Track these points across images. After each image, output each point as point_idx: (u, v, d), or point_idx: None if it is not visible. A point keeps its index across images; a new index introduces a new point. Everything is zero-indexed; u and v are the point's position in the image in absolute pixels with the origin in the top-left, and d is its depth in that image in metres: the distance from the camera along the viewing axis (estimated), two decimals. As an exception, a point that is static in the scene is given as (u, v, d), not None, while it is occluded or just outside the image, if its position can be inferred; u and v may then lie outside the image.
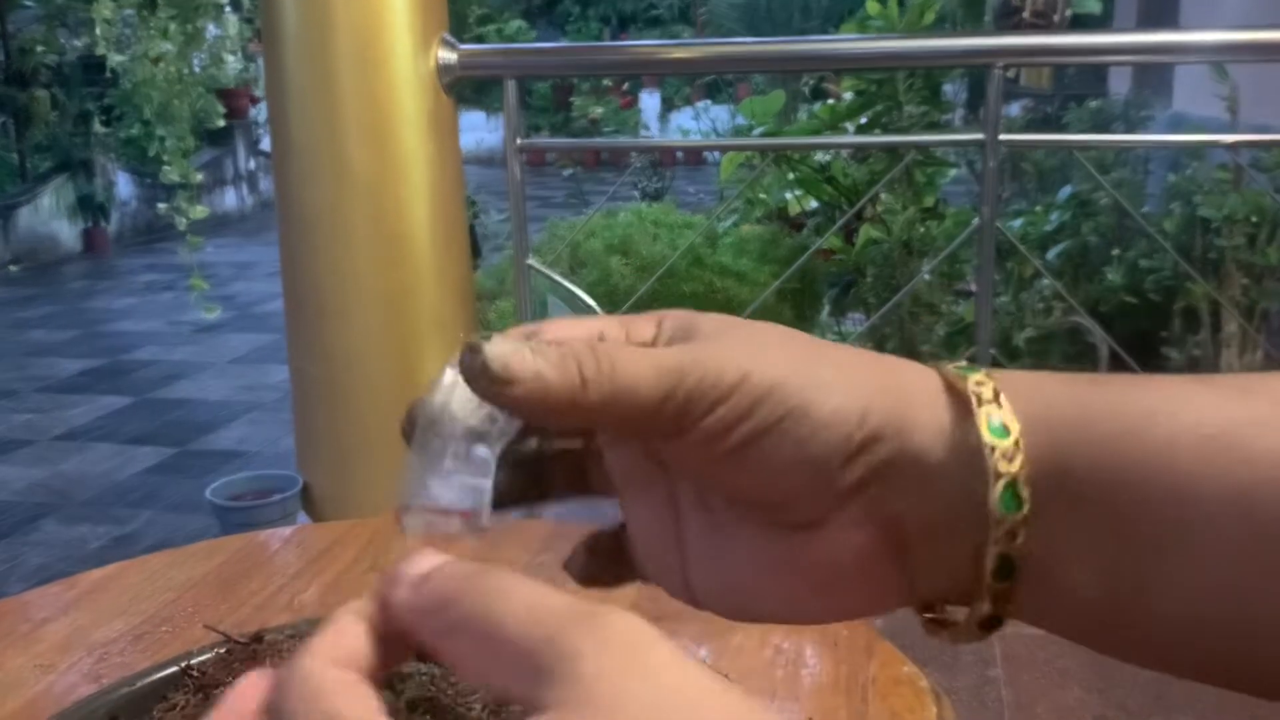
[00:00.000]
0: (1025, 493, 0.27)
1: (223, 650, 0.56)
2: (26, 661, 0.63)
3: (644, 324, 0.32)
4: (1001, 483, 0.27)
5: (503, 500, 0.31)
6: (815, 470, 0.28)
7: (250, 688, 0.24)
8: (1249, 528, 0.25)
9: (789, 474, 0.28)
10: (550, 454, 0.34)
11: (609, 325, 0.31)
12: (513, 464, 0.32)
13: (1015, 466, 0.27)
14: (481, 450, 0.29)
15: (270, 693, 0.23)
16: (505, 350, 0.27)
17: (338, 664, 0.23)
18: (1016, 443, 0.27)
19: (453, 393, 0.29)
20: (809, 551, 0.29)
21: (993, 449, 0.27)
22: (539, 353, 0.27)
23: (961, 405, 0.28)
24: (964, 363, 0.30)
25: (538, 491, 0.35)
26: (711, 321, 0.30)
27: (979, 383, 0.28)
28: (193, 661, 0.55)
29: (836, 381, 0.28)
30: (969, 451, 0.27)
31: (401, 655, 0.25)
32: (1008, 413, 0.27)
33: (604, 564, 0.34)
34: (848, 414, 0.28)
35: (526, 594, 0.23)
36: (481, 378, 0.27)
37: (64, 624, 0.67)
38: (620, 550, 0.34)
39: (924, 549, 0.29)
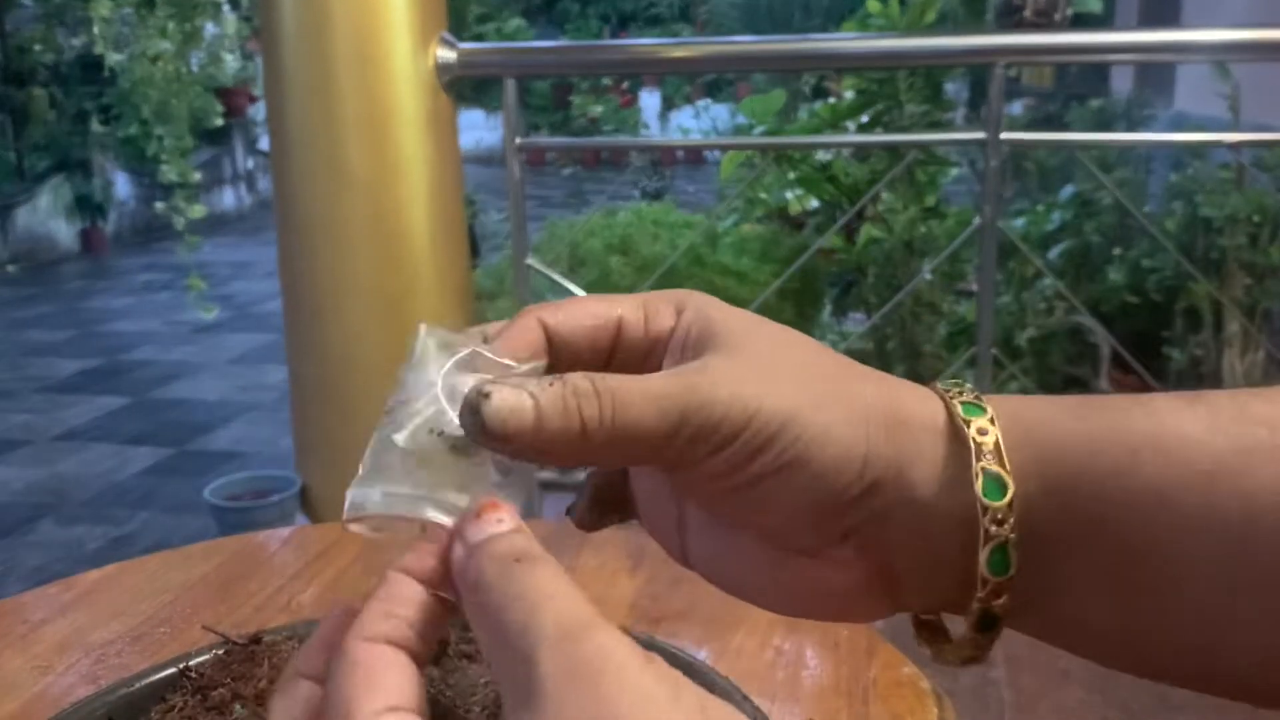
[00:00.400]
0: (1014, 556, 0.28)
1: (221, 651, 0.55)
2: (24, 663, 0.62)
3: (664, 311, 0.31)
4: (991, 545, 0.27)
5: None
6: (813, 513, 0.28)
7: (340, 620, 0.27)
8: (1247, 561, 0.26)
9: (787, 513, 0.29)
10: None
11: (628, 308, 0.31)
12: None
13: (1005, 530, 0.27)
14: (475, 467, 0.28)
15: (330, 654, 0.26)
16: (503, 408, 0.27)
17: (381, 638, 0.25)
18: (1010, 504, 0.27)
19: (434, 392, 0.28)
20: (803, 571, 0.30)
21: (985, 510, 0.27)
22: (539, 398, 0.27)
23: (962, 455, 0.28)
24: (970, 395, 0.30)
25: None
26: (729, 326, 0.30)
27: (981, 430, 0.28)
28: (191, 663, 0.55)
29: (843, 427, 0.28)
30: (964, 504, 0.28)
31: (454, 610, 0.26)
32: (1005, 471, 0.28)
33: (606, 512, 0.34)
34: (850, 463, 0.28)
35: (531, 598, 0.24)
36: (482, 436, 0.27)
37: (62, 625, 0.67)
38: (624, 500, 0.34)
39: (914, 582, 0.30)
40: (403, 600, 0.26)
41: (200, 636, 0.60)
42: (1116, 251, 2.71)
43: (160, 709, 0.52)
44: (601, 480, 0.34)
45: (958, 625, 0.31)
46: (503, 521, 0.26)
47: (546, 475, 2.06)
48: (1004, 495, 0.27)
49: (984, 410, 0.29)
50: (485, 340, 0.31)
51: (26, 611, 0.69)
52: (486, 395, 0.27)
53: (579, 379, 0.28)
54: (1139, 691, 1.60)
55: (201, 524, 2.48)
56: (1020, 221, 2.89)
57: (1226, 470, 0.26)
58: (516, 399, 0.27)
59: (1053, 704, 1.58)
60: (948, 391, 0.30)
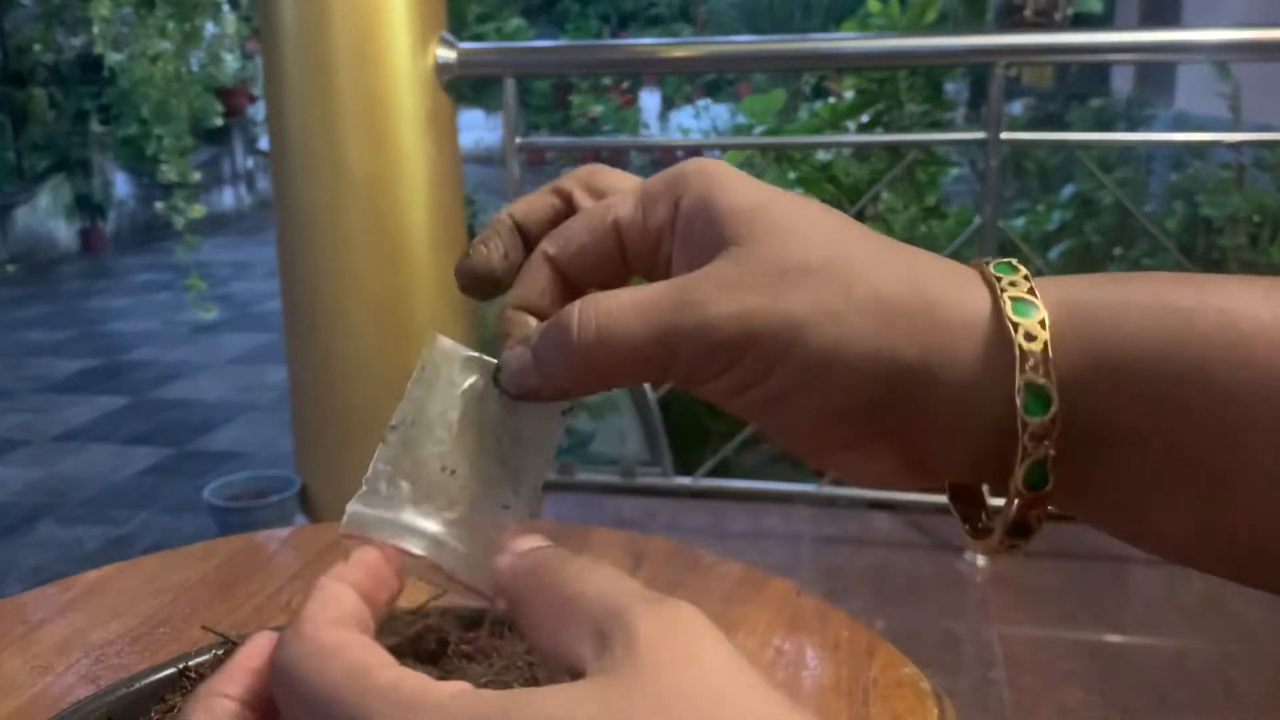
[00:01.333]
0: (1053, 474, 0.26)
1: (220, 652, 0.55)
2: (23, 663, 0.62)
3: (660, 201, 0.30)
4: (1029, 462, 0.26)
5: None
6: (833, 423, 0.27)
7: (260, 644, 0.27)
8: None
9: (804, 425, 0.28)
10: None
11: (623, 209, 0.30)
12: None
13: (1046, 447, 0.26)
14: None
15: (273, 651, 0.26)
16: (511, 370, 0.30)
17: (334, 624, 0.25)
18: (1053, 419, 0.26)
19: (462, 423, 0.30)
20: (839, 458, 0.29)
21: (1025, 426, 0.26)
22: (536, 347, 0.29)
23: (1005, 357, 0.26)
24: (1023, 285, 0.27)
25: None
26: (734, 210, 0.28)
27: (1029, 335, 0.26)
28: (190, 663, 0.54)
29: (858, 335, 0.26)
30: (1005, 411, 0.26)
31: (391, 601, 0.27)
32: (1050, 382, 0.26)
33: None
34: (868, 372, 0.26)
35: (608, 573, 0.24)
36: (516, 397, 0.30)
37: (61, 625, 0.66)
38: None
39: (954, 471, 0.29)
40: (361, 565, 0.27)
41: (200, 637, 0.60)
42: (1117, 251, 2.71)
43: (160, 709, 0.52)
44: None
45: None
46: (541, 539, 0.27)
47: (546, 475, 2.06)
48: (1047, 411, 0.26)
49: (1035, 308, 0.26)
50: (513, 223, 0.32)
51: (26, 611, 0.69)
52: (499, 368, 0.30)
53: (568, 310, 0.28)
54: (1140, 692, 1.60)
55: (201, 524, 2.48)
56: (1020, 221, 2.89)
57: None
58: (518, 360, 0.30)
59: (1054, 704, 1.58)
60: (999, 278, 0.27)
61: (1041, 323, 0.26)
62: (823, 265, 0.27)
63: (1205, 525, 0.27)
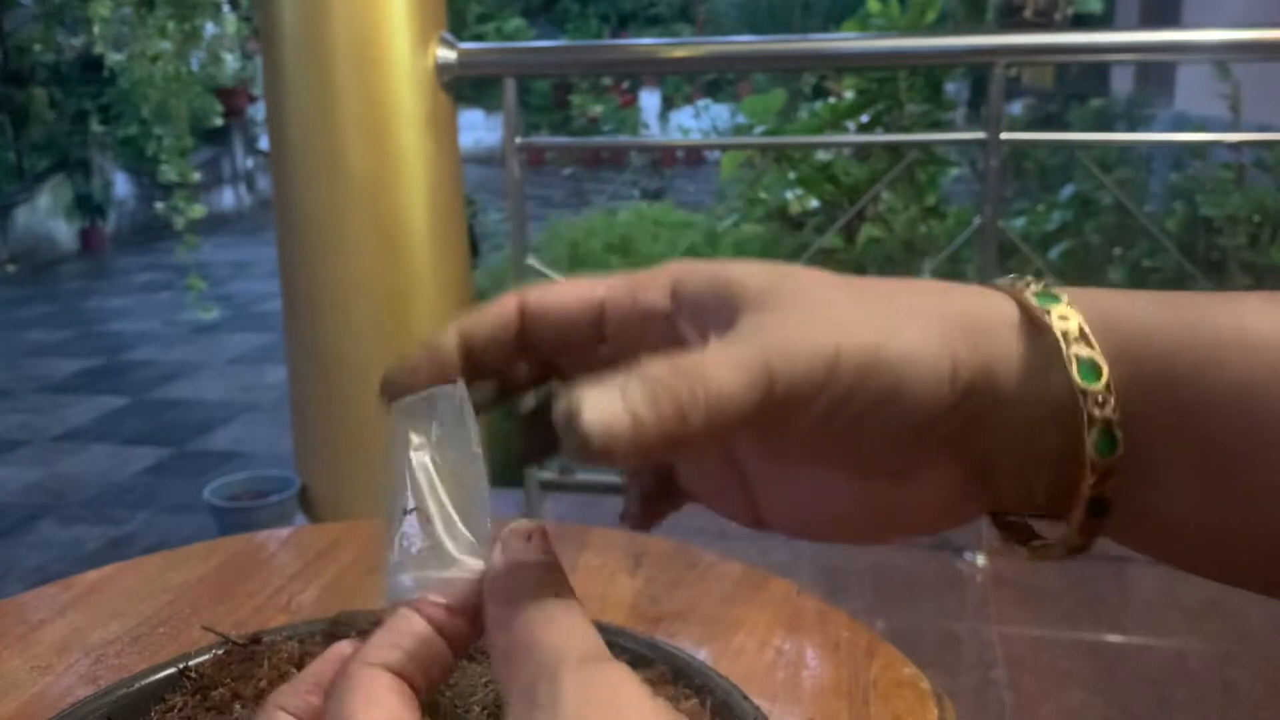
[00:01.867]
0: (1119, 435, 0.27)
1: (221, 652, 0.55)
2: (23, 663, 0.62)
3: (654, 285, 0.30)
4: (1097, 428, 0.26)
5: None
6: (910, 434, 0.27)
7: (330, 659, 0.28)
8: None
9: (883, 443, 0.28)
10: None
11: (612, 286, 0.30)
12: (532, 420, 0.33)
13: (1109, 411, 0.26)
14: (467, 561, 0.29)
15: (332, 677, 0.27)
16: (601, 416, 0.24)
17: (382, 665, 0.27)
18: (1108, 385, 0.26)
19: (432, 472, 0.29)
20: (892, 494, 0.29)
21: (1085, 393, 0.26)
22: (627, 393, 0.24)
23: (1047, 343, 0.27)
24: (1037, 284, 0.28)
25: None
26: (753, 283, 0.28)
27: (1062, 316, 0.27)
28: (191, 663, 0.54)
29: (925, 343, 0.27)
30: (1057, 393, 0.27)
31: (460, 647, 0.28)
32: (1097, 352, 0.27)
33: (659, 503, 0.34)
34: (940, 376, 0.27)
35: (566, 623, 0.26)
36: (585, 455, 0.24)
37: (61, 625, 0.66)
38: (674, 488, 0.33)
39: (1013, 481, 0.29)
40: (408, 634, 0.27)
41: (200, 637, 0.60)
42: (1117, 251, 2.71)
43: (160, 709, 0.52)
44: (647, 473, 0.33)
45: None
46: (546, 554, 0.28)
47: (546, 475, 2.06)
48: (1100, 377, 0.27)
49: (1059, 298, 0.28)
50: (461, 336, 0.30)
51: (26, 612, 0.69)
52: (578, 410, 0.24)
53: (651, 365, 0.25)
54: (1140, 693, 1.60)
55: (201, 524, 2.48)
56: (1021, 221, 2.89)
57: None
58: (609, 404, 0.24)
59: (1054, 706, 1.58)
60: (1014, 286, 0.28)
61: (1069, 304, 0.27)
62: (868, 295, 0.28)
63: (1237, 533, 0.27)
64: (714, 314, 0.28)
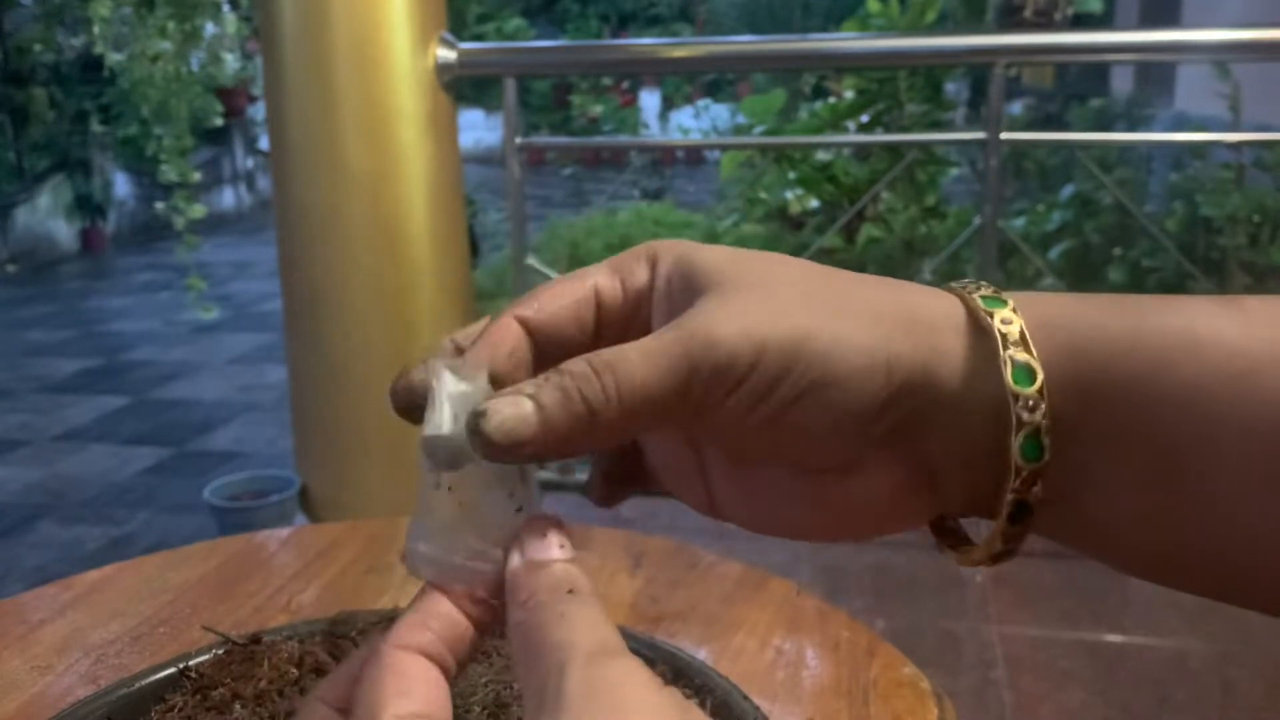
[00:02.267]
0: (1046, 441, 0.27)
1: (221, 651, 0.55)
2: (23, 663, 0.62)
3: (637, 268, 0.31)
4: (1024, 433, 0.27)
5: None
6: (844, 427, 0.28)
7: (364, 653, 0.28)
8: (1273, 464, 0.25)
9: (819, 434, 0.28)
10: None
11: (600, 276, 0.31)
12: None
13: (1038, 416, 0.27)
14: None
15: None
16: (506, 421, 0.26)
17: (414, 648, 0.27)
18: (1040, 390, 0.27)
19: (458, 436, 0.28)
20: (839, 490, 0.29)
21: (1016, 397, 0.27)
22: (538, 396, 0.26)
23: (987, 345, 0.27)
24: (987, 288, 0.29)
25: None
26: (714, 264, 0.29)
27: (1005, 320, 0.27)
28: (191, 663, 0.54)
29: (858, 335, 0.27)
30: (994, 395, 0.27)
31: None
32: (1034, 358, 0.27)
33: (622, 483, 0.34)
34: (874, 370, 0.27)
35: (582, 619, 0.26)
36: (491, 451, 0.26)
37: (61, 625, 0.66)
38: (638, 469, 0.34)
39: (953, 481, 0.29)
40: (437, 615, 0.28)
41: (200, 637, 0.60)
42: (1117, 251, 2.71)
43: (160, 709, 0.52)
44: (609, 452, 0.33)
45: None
46: (564, 548, 0.28)
47: (547, 475, 2.06)
48: (1033, 382, 0.27)
49: (1005, 302, 0.28)
50: (457, 350, 0.30)
51: (26, 612, 0.69)
52: (483, 414, 0.26)
53: (572, 363, 0.27)
54: (1140, 692, 1.60)
55: (201, 524, 2.48)
56: (1020, 221, 2.89)
57: (1260, 372, 0.26)
58: (515, 406, 0.26)
59: (1054, 706, 1.58)
60: (964, 288, 0.29)
61: (1014, 309, 0.28)
62: (814, 284, 0.29)
63: (1180, 535, 0.27)
64: (679, 296, 0.29)
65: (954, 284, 0.30)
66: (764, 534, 0.32)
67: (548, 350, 0.30)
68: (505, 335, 0.30)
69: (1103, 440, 0.27)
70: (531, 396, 0.26)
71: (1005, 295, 0.28)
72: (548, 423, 0.26)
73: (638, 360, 0.27)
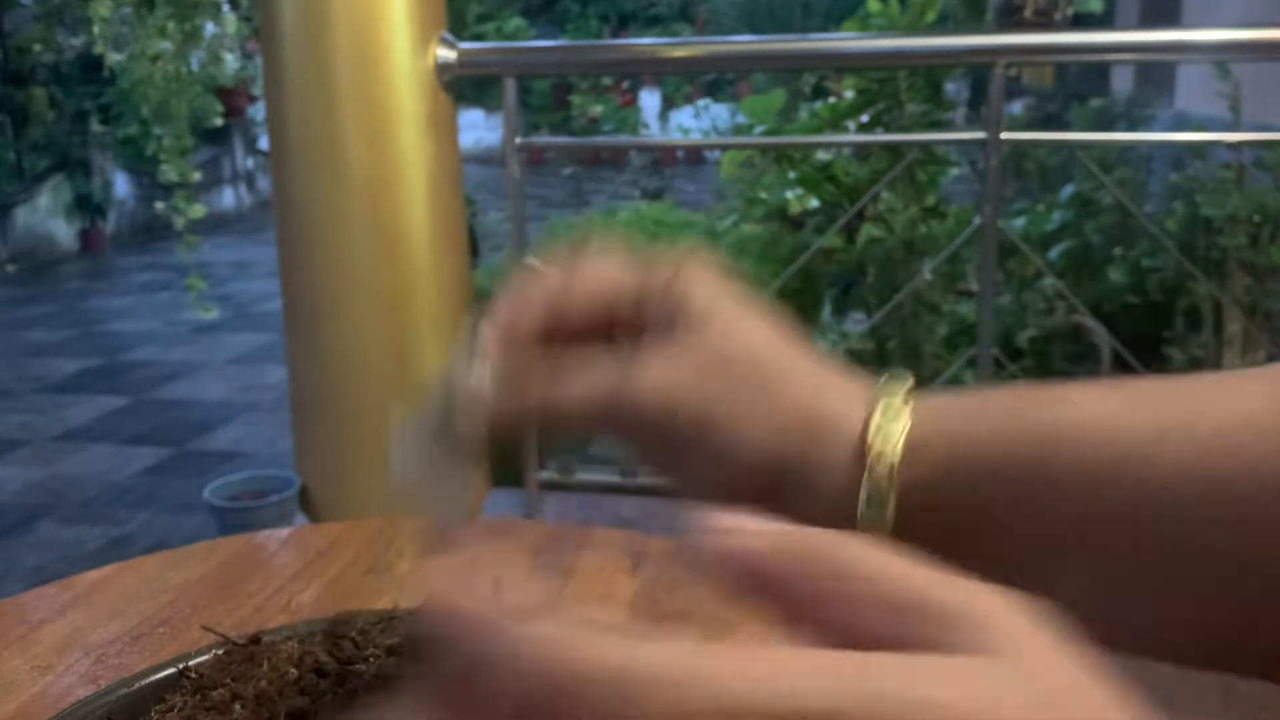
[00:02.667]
0: (888, 500, 0.29)
1: (221, 651, 0.55)
2: (23, 663, 0.62)
3: (658, 287, 0.33)
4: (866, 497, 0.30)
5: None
6: (729, 492, 0.31)
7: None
8: (1161, 541, 0.27)
9: (705, 486, 0.32)
10: None
11: (626, 280, 0.33)
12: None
13: (883, 482, 0.29)
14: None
15: None
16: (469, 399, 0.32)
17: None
18: (890, 520, 0.29)
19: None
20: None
21: (862, 524, 0.30)
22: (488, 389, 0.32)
23: (860, 464, 0.30)
24: (900, 399, 0.31)
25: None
26: (696, 307, 0.32)
27: (886, 440, 0.30)
28: (191, 663, 0.54)
29: (757, 438, 0.31)
30: (849, 508, 0.30)
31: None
32: (892, 488, 0.30)
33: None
34: (762, 467, 0.31)
35: (908, 563, 0.24)
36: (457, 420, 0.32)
37: (61, 625, 0.66)
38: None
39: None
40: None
41: (200, 637, 0.60)
42: (1117, 251, 2.71)
43: (160, 709, 0.52)
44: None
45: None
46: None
47: (546, 475, 2.06)
48: (884, 510, 0.29)
49: (898, 418, 0.30)
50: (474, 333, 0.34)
51: (25, 611, 0.69)
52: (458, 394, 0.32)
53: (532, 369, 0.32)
54: (1137, 690, 1.60)
55: (201, 524, 2.48)
56: (1020, 221, 2.89)
57: (1138, 454, 0.27)
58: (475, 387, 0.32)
59: (1053, 704, 1.58)
60: (880, 394, 0.31)
61: (902, 430, 0.30)
62: (747, 364, 0.32)
63: (1092, 615, 0.27)
64: (665, 321, 0.33)
65: (881, 383, 0.32)
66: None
67: (564, 324, 0.33)
68: (527, 315, 0.33)
69: (998, 525, 0.29)
70: (484, 381, 0.32)
71: (904, 408, 0.31)
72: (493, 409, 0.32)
73: (574, 388, 0.32)
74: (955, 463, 0.29)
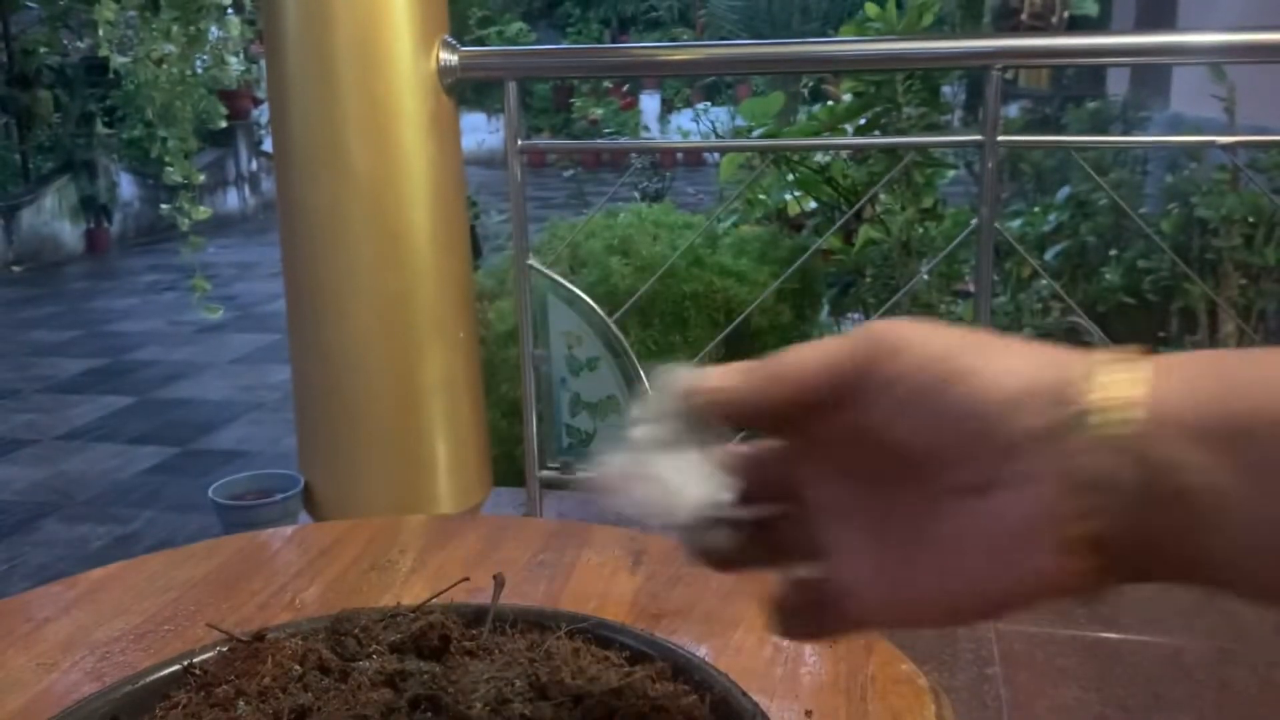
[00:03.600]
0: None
1: (225, 649, 0.56)
2: (28, 661, 0.63)
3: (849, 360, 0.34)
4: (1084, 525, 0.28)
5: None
6: (980, 423, 0.30)
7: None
8: None
9: (953, 424, 0.30)
10: (749, 523, 0.37)
11: (826, 376, 0.34)
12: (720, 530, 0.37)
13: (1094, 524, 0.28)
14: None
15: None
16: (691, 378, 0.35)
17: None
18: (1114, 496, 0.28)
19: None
20: (977, 519, 0.30)
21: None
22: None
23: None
24: (1136, 366, 0.29)
25: (742, 560, 0.38)
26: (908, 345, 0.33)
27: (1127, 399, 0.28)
28: (195, 660, 0.55)
29: (1003, 357, 0.31)
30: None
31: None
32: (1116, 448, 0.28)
33: (804, 617, 0.38)
34: (1011, 381, 0.30)
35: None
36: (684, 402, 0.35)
37: (66, 623, 0.67)
38: (817, 598, 0.37)
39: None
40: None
41: (204, 634, 0.60)
42: (1112, 252, 2.72)
43: (164, 706, 0.52)
44: (784, 593, 0.38)
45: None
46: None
47: (546, 474, 2.07)
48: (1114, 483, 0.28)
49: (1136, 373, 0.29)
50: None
51: (31, 610, 0.69)
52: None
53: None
54: (1135, 689, 1.61)
55: (205, 523, 2.49)
56: (1017, 223, 2.89)
57: None
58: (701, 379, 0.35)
59: (1050, 702, 1.59)
60: (1106, 371, 0.30)
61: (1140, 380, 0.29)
62: (974, 337, 0.33)
63: None
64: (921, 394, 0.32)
65: (1109, 364, 0.30)
66: (902, 619, 0.34)
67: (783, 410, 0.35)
68: (758, 396, 0.35)
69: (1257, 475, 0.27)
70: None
71: (1140, 375, 0.29)
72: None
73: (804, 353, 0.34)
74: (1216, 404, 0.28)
